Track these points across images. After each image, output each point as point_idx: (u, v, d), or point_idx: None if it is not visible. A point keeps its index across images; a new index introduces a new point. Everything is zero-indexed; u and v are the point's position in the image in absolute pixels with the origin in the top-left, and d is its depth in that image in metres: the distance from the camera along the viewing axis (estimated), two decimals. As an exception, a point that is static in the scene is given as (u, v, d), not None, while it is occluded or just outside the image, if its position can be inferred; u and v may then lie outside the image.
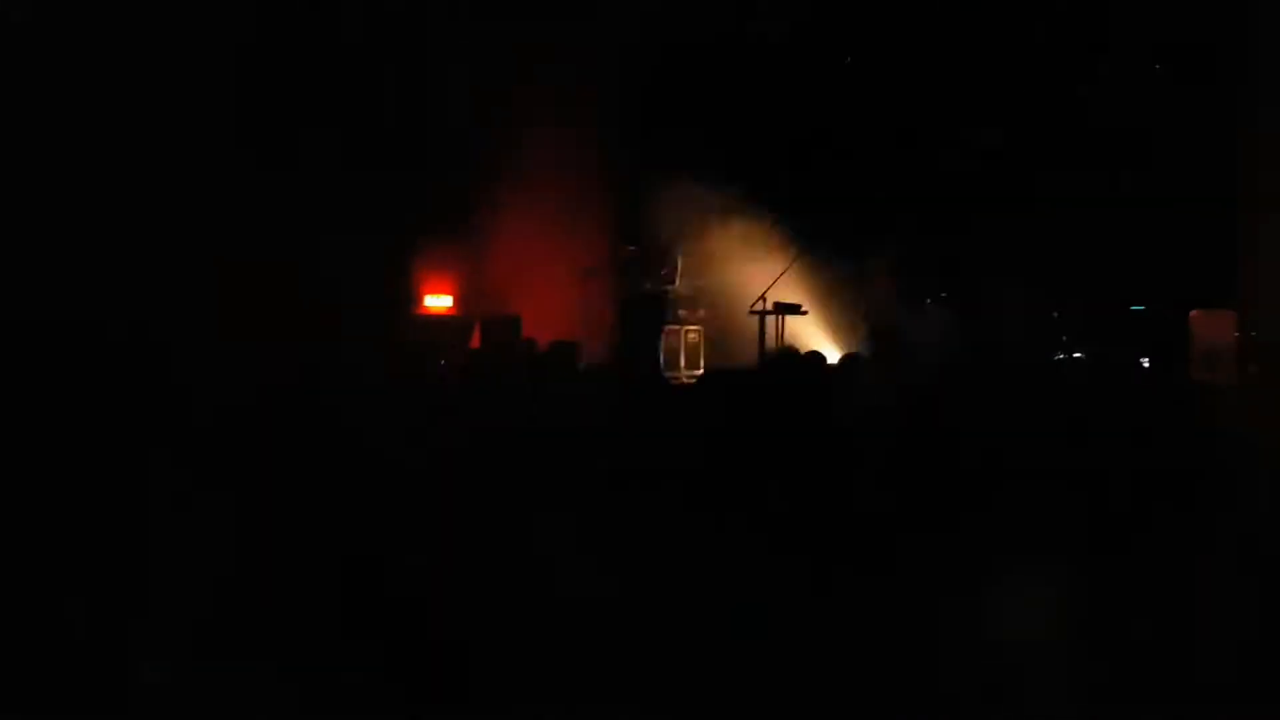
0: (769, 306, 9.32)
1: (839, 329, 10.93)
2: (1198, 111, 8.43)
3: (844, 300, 10.89)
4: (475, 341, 9.90)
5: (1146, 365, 8.40)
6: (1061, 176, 10.49)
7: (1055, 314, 10.18)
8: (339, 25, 9.92)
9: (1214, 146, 7.91)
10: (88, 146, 8.34)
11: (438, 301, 10.89)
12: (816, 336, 10.53)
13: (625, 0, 9.77)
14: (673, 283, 10.45)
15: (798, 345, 8.34)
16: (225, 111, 9.09)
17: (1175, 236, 9.54)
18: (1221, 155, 7.54)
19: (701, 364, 11.13)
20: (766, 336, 9.53)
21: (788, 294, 9.67)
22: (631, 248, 10.48)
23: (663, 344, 10.68)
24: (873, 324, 10.23)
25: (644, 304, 10.24)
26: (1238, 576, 2.72)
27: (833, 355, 9.65)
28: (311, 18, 9.70)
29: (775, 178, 10.60)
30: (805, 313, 9.52)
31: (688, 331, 11.26)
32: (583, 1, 9.97)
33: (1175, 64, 9.20)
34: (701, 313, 11.40)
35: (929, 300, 10.21)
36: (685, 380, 9.92)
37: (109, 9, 8.51)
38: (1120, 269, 9.82)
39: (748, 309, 9.55)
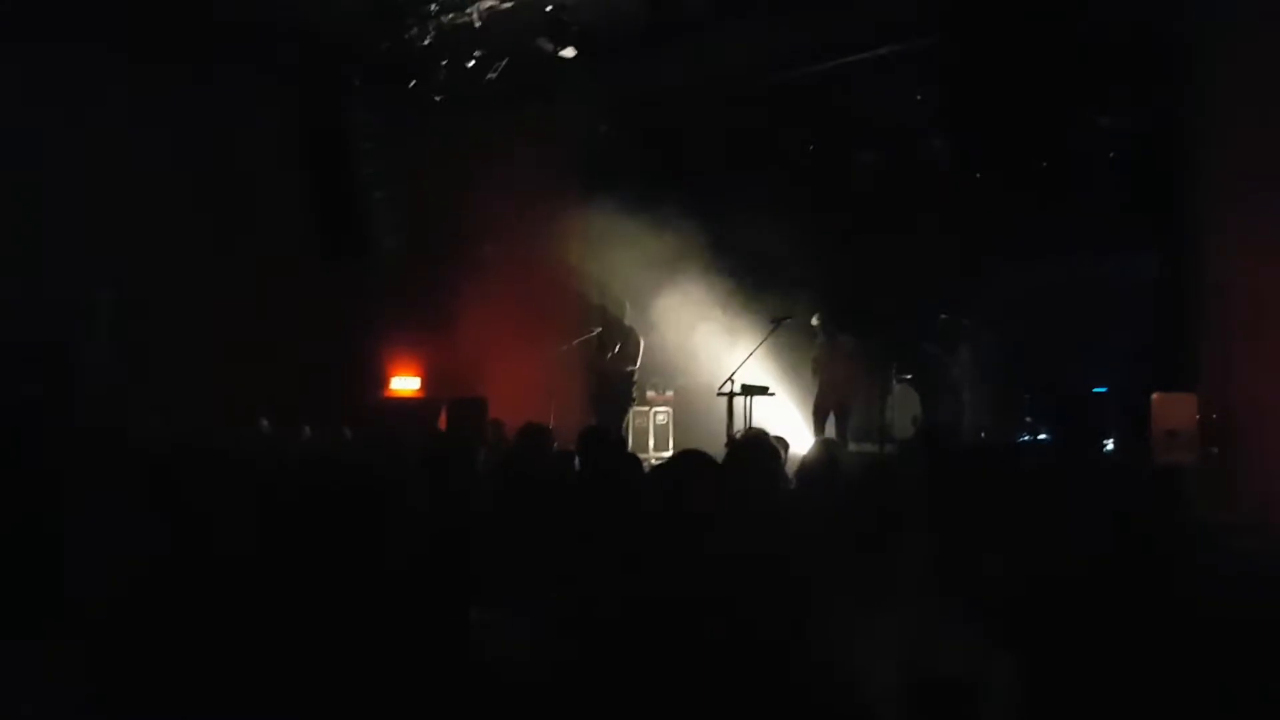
0: (736, 388, 9.21)
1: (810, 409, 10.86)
2: (1158, 195, 8.57)
3: (814, 380, 10.86)
4: (442, 424, 9.82)
5: (1110, 447, 8.43)
6: (1025, 262, 10.65)
7: (1026, 396, 10.22)
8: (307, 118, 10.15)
9: (1173, 229, 8.03)
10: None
11: (405, 384, 10.82)
12: (788, 418, 10.47)
13: (584, 88, 9.92)
14: (635, 363, 10.32)
15: (766, 427, 8.23)
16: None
17: (1137, 320, 9.66)
18: (1178, 239, 7.66)
19: (671, 445, 11.06)
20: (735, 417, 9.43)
21: (758, 375, 9.54)
22: (598, 329, 10.45)
23: (631, 425, 10.59)
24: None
25: (611, 384, 10.15)
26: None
27: (804, 437, 9.61)
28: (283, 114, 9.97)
29: (746, 258, 10.66)
30: (773, 394, 9.45)
31: (656, 413, 11.21)
32: (543, 90, 10.12)
33: (1135, 148, 9.39)
34: (670, 393, 11.36)
35: (895, 381, 10.22)
36: (654, 462, 9.83)
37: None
38: (1083, 352, 9.92)
39: (715, 390, 9.47)
